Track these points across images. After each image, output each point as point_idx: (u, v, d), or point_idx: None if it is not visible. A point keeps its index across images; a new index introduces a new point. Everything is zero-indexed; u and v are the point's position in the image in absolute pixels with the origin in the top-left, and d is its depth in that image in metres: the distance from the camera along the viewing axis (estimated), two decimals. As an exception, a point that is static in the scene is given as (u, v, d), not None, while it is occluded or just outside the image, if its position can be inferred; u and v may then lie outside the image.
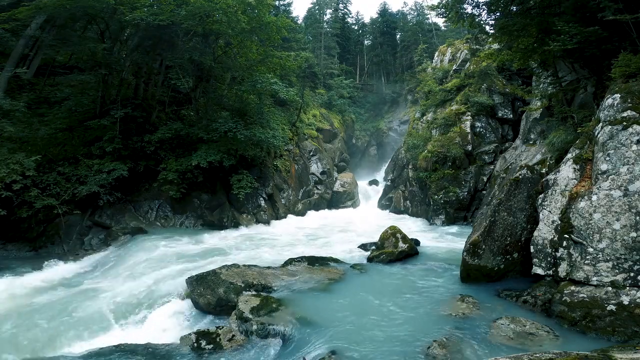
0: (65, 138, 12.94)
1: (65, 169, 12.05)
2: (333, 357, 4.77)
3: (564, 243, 6.15)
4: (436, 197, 16.21)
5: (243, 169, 15.37)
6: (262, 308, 6.28)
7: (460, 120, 17.57)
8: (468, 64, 20.73)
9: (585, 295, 5.59)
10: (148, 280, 8.22)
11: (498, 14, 10.55)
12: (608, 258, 5.61)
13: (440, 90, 20.19)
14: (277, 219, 17.24)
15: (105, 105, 13.88)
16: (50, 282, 8.79)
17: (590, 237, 5.84)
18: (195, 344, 5.56)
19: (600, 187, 5.93)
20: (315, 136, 24.87)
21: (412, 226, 15.87)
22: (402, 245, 9.88)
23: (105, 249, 11.50)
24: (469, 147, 16.68)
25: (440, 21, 41.93)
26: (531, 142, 13.77)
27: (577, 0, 8.13)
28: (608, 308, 5.29)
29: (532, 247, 6.64)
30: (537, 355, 3.70)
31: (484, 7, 10.89)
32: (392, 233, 10.35)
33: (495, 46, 13.57)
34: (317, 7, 43.10)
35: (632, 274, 5.40)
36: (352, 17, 50.44)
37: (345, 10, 47.19)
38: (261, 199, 16.52)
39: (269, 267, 8.59)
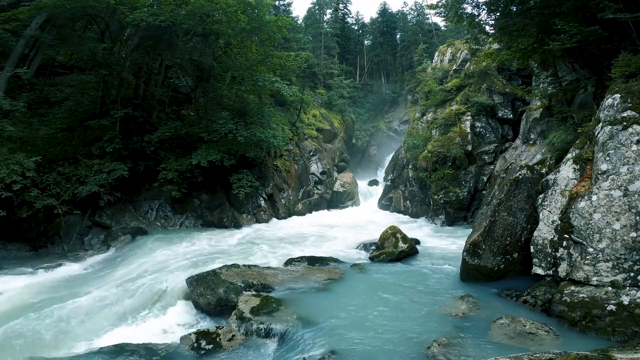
0: (65, 138, 12.93)
1: (65, 169, 12.04)
2: (333, 357, 4.77)
3: (564, 243, 6.15)
4: (436, 197, 16.21)
5: (243, 169, 15.37)
6: (262, 308, 6.28)
7: (460, 120, 17.55)
8: (468, 64, 20.72)
9: (585, 295, 5.59)
10: (148, 281, 8.21)
11: (498, 14, 10.54)
12: (608, 258, 5.61)
13: (440, 90, 20.17)
14: (277, 219, 17.23)
15: (105, 105, 13.86)
16: (49, 282, 8.78)
17: (590, 237, 5.84)
18: (195, 344, 5.56)
19: (600, 187, 5.93)
20: (315, 136, 24.86)
21: (412, 226, 15.87)
22: (402, 245, 9.89)
23: (105, 249, 11.50)
24: (469, 147, 16.67)
25: (440, 21, 41.96)
26: (531, 142, 13.75)
27: (577, 0, 8.13)
28: (608, 308, 5.29)
29: (532, 247, 6.64)
30: (537, 355, 3.70)
31: (483, 7, 10.88)
32: (392, 233, 10.35)
33: (495, 46, 13.56)
34: (317, 7, 43.07)
35: (632, 274, 5.40)
36: (352, 17, 50.46)
37: (345, 10, 47.14)
38: (261, 199, 16.52)
39: (269, 267, 8.59)
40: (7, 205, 10.21)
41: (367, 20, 57.90)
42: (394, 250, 9.76)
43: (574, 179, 6.58)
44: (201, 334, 5.73)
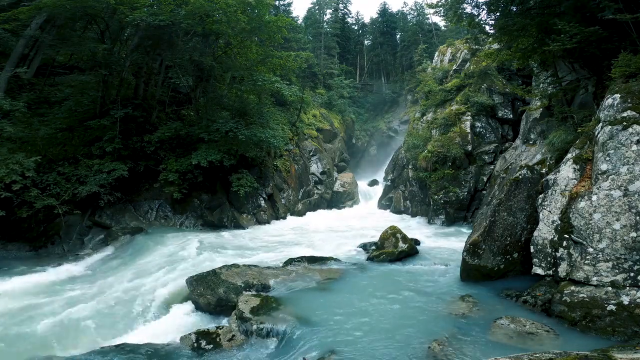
0: (65, 138, 12.93)
1: (65, 169, 12.03)
2: (333, 357, 4.77)
3: (564, 243, 6.15)
4: (436, 197, 16.20)
5: (243, 169, 15.38)
6: (262, 308, 6.28)
7: (460, 120, 17.55)
8: (468, 63, 20.71)
9: (585, 295, 5.59)
10: (148, 281, 8.23)
11: (498, 14, 10.53)
12: (608, 258, 5.61)
13: (440, 90, 20.16)
14: (277, 219, 17.24)
15: (105, 105, 13.86)
16: (49, 282, 8.78)
17: (590, 237, 5.84)
18: (195, 344, 5.56)
19: (600, 187, 5.93)
20: (315, 136, 24.87)
21: (412, 226, 15.87)
22: (402, 245, 9.88)
23: (105, 249, 11.48)
24: (469, 147, 16.66)
25: (440, 20, 41.95)
26: (531, 142, 13.75)
27: (577, 0, 8.13)
28: (608, 308, 5.29)
29: (532, 247, 6.64)
30: (537, 355, 3.70)
31: (483, 7, 10.87)
32: (392, 233, 10.35)
33: (495, 46, 13.56)
34: (317, 7, 43.08)
35: (632, 274, 5.40)
36: (352, 17, 50.44)
37: (345, 10, 47.13)
38: (261, 199, 16.52)
39: (268, 267, 8.59)
40: (7, 205, 10.21)
41: (367, 20, 57.86)
42: (394, 250, 9.75)
43: (574, 179, 6.58)
44: (201, 334, 5.73)
